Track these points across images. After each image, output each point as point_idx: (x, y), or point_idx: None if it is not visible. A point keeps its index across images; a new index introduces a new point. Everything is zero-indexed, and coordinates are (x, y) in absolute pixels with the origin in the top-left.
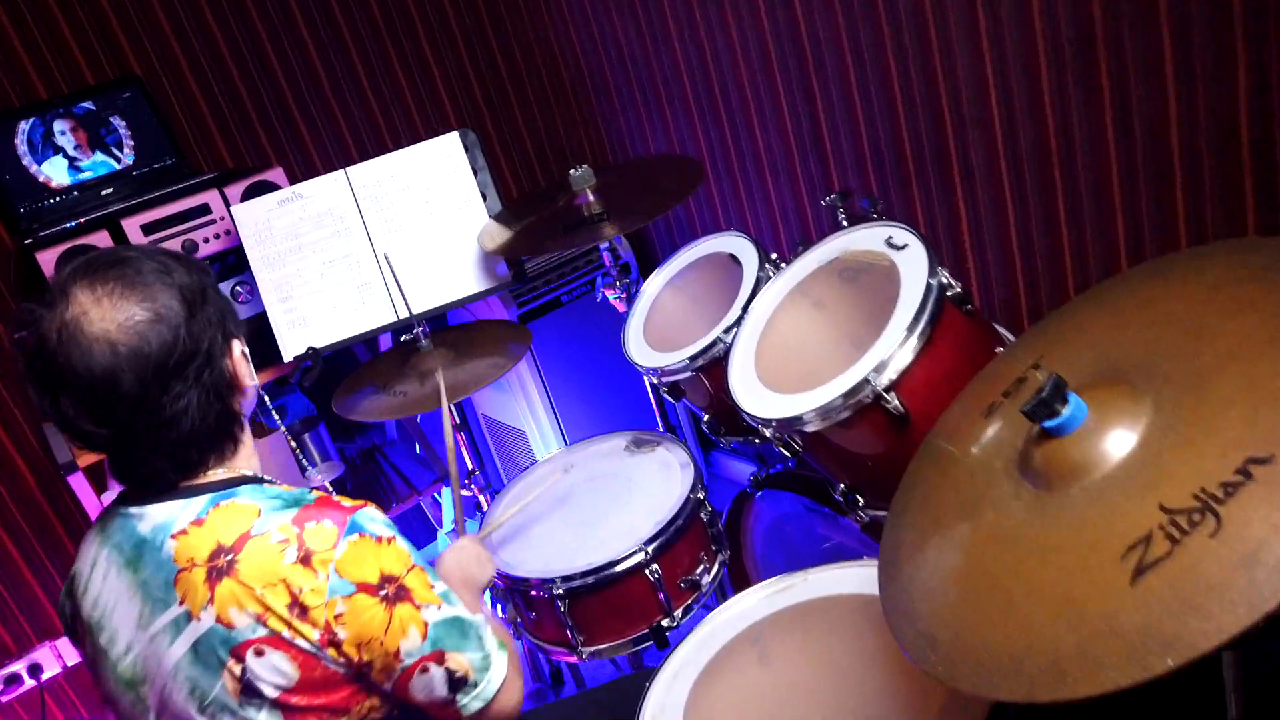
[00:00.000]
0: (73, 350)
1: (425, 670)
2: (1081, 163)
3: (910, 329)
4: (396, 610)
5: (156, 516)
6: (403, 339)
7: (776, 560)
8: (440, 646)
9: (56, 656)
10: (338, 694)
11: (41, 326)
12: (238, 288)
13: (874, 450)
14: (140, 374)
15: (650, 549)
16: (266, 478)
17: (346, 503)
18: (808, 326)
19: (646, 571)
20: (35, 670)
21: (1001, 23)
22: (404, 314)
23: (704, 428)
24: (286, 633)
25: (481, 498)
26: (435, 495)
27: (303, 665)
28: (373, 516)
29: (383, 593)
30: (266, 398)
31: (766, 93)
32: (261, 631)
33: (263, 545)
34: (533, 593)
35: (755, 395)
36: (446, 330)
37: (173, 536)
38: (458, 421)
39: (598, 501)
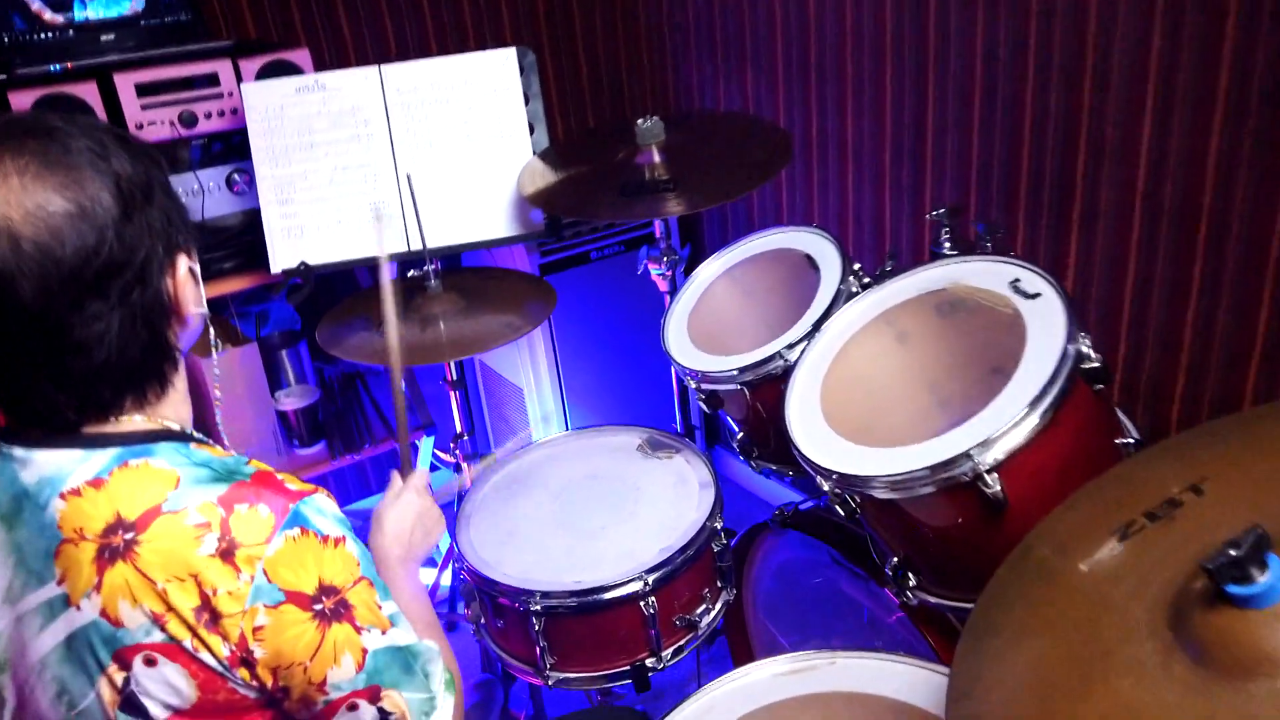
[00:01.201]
0: None
1: (354, 708)
2: (1236, 231)
3: (1034, 404)
4: (331, 631)
5: (45, 465)
6: (410, 274)
7: (782, 607)
8: (377, 681)
9: None
10: None
11: None
12: (235, 175)
13: (950, 532)
14: (44, 281)
15: (651, 579)
16: (197, 435)
17: (293, 485)
18: (886, 362)
19: (642, 604)
20: None
21: (1180, 51)
22: (416, 245)
23: (735, 445)
24: (189, 642)
25: (465, 465)
26: (415, 442)
27: (203, 685)
28: (322, 509)
29: (318, 607)
30: (211, 332)
31: (871, 74)
32: (157, 636)
33: (175, 526)
34: (502, 600)
35: (817, 438)
36: (460, 273)
37: (62, 496)
38: (454, 378)
39: (598, 507)
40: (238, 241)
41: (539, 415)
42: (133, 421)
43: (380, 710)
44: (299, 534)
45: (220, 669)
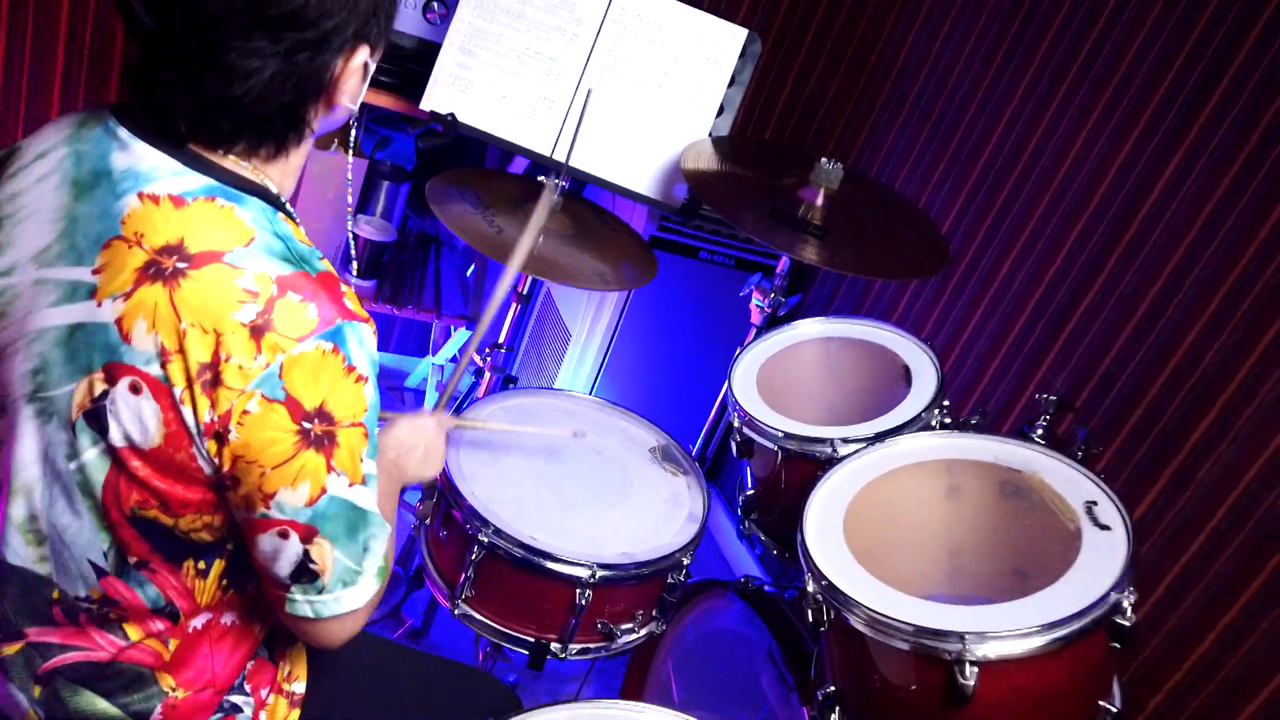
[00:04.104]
0: None
1: (284, 535)
2: None
3: (1049, 627)
4: (305, 454)
5: (142, 159)
6: (538, 178)
7: (692, 664)
8: (318, 525)
9: None
10: (184, 492)
11: None
12: (435, 3)
13: (900, 694)
14: None
15: (599, 574)
16: (290, 209)
17: (350, 303)
18: (925, 507)
19: (578, 590)
20: None
21: None
22: (560, 156)
23: (740, 498)
24: (180, 391)
25: (487, 374)
26: (451, 327)
27: (169, 437)
28: (362, 339)
29: (305, 425)
30: (352, 134)
31: (1058, 226)
32: (155, 370)
33: (226, 279)
34: (456, 514)
35: (828, 540)
36: (582, 201)
37: (140, 195)
38: (525, 292)
39: (588, 483)
40: (403, 64)
41: (572, 367)
42: (237, 164)
43: (304, 552)
44: (330, 350)
45: (193, 430)
